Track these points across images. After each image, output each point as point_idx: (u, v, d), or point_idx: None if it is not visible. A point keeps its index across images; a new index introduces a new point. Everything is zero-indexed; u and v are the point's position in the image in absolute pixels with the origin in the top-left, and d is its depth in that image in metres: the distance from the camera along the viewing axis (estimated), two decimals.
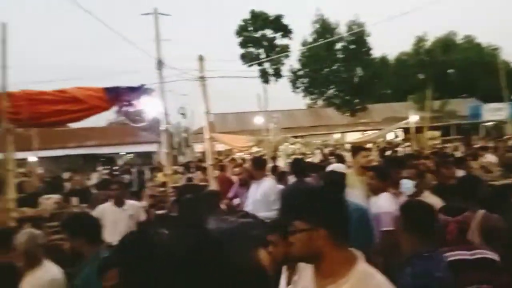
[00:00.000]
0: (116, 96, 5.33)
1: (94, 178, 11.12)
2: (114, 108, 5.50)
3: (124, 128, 22.70)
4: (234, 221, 0.91)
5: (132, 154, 25.74)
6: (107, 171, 13.08)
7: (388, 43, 51.86)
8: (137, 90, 5.41)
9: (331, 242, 1.41)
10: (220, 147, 22.71)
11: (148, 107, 5.60)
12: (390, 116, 28.13)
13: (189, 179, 8.33)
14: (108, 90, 5.31)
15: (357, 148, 5.26)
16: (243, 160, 11.87)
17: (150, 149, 22.67)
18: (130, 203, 5.02)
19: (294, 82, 34.18)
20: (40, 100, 5.37)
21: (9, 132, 5.41)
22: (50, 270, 2.90)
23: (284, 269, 2.08)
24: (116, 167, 17.83)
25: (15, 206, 5.09)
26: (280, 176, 6.33)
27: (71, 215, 3.12)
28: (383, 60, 37.56)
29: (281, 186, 5.26)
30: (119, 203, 4.84)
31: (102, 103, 5.37)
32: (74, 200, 5.41)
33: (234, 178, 6.45)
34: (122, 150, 24.00)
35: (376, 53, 34.66)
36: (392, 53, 39.42)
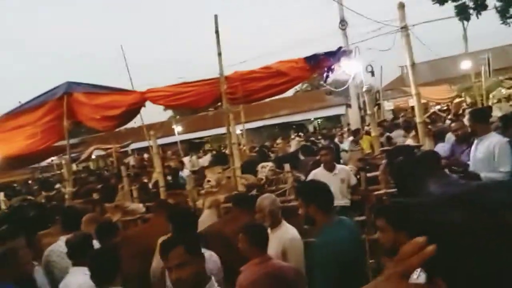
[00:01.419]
0: (316, 63, 5.45)
1: (293, 145, 11.91)
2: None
3: (312, 94, 23.53)
4: (469, 185, 0.80)
5: (320, 119, 26.57)
6: (303, 137, 13.83)
7: None
8: (336, 54, 5.40)
9: None
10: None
11: (348, 69, 5.53)
12: None
13: (389, 138, 7.96)
14: (308, 59, 5.47)
15: None
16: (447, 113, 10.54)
17: (339, 112, 22.88)
18: (340, 167, 5.12)
19: (504, 11, 27.83)
20: (251, 79, 5.98)
21: (229, 111, 6.26)
22: (290, 230, 3.22)
23: None
24: (309, 133, 18.74)
25: (240, 174, 5.91)
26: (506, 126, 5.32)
27: (305, 183, 3.33)
28: None
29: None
30: (330, 167, 4.99)
31: (303, 73, 5.60)
32: (286, 167, 5.82)
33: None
34: (311, 115, 25.03)
35: None
36: None
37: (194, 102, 6.57)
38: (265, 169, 5.96)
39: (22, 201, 7.49)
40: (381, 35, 8.40)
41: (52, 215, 5.16)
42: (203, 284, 2.00)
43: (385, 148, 5.37)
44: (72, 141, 7.31)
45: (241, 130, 11.23)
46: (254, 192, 4.75)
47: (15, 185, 15.09)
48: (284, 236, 3.17)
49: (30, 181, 15.55)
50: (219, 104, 6.82)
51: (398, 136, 8.39)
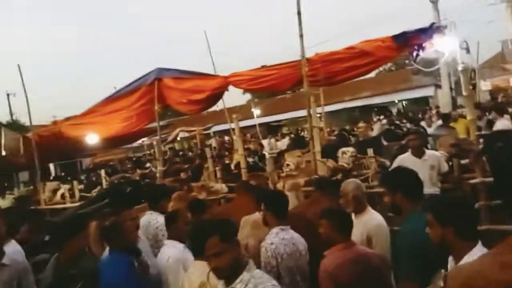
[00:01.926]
0: (405, 41, 5.11)
1: (376, 129, 11.42)
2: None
3: (396, 74, 22.17)
4: None
5: (406, 101, 24.98)
6: (386, 121, 13.15)
7: None
8: (428, 30, 4.99)
9: None
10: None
11: (440, 46, 5.08)
12: None
13: (490, 122, 7.22)
14: (396, 37, 5.14)
15: None
16: None
17: (426, 93, 21.27)
18: (429, 153, 4.78)
19: None
20: (333, 60, 5.82)
21: (310, 93, 6.18)
22: (375, 216, 3.13)
23: None
24: (393, 116, 17.77)
25: (320, 158, 5.84)
26: None
27: (391, 170, 3.19)
28: None
29: None
30: (419, 153, 4.69)
31: (390, 53, 5.29)
32: (370, 152, 5.60)
33: None
34: (395, 97, 23.61)
35: None
36: None
37: (276, 85, 6.63)
38: (346, 155, 5.80)
39: (120, 178, 8.27)
40: (482, 6, 7.55)
41: (146, 191, 5.64)
42: (242, 269, 2.05)
43: (482, 132, 4.89)
44: (161, 123, 7.85)
45: (319, 113, 11.06)
46: (339, 176, 4.67)
47: (111, 163, 16.71)
48: (369, 222, 3.09)
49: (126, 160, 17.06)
50: (298, 86, 6.79)
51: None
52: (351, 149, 6.02)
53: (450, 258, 1.89)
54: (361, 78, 7.61)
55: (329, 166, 5.07)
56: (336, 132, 10.73)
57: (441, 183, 4.60)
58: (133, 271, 2.87)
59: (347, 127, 14.44)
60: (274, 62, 6.77)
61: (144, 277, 2.96)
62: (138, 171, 9.87)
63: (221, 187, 5.30)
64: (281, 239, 2.86)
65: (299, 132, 17.20)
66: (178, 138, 19.05)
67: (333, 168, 4.98)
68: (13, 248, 3.59)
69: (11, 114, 21.09)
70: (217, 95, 6.95)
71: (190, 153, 14.79)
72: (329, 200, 3.45)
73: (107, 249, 2.93)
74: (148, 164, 12.22)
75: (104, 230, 2.87)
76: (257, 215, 3.39)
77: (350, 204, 3.14)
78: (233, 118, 6.88)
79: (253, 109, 17.60)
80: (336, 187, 3.37)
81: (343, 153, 5.86)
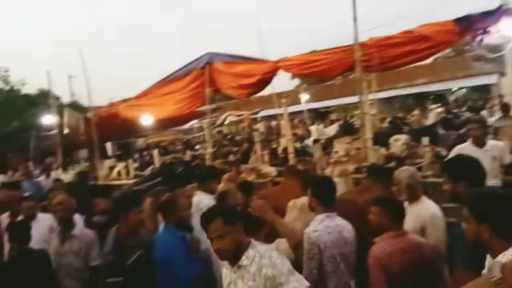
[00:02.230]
0: (468, 25, 4.79)
1: (431, 117, 10.89)
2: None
3: (455, 61, 20.84)
4: None
5: (465, 89, 23.50)
6: (442, 109, 12.48)
7: None
8: (494, 13, 4.64)
9: None
10: None
11: (508, 31, 4.71)
12: None
13: None
14: (458, 20, 4.84)
15: None
16: None
17: (488, 81, 19.83)
18: (492, 143, 4.51)
19: None
20: (389, 45, 5.60)
21: (362, 79, 6.02)
22: (430, 206, 3.03)
23: None
24: (451, 104, 16.83)
25: (371, 145, 5.70)
26: None
27: (454, 158, 3.05)
28: None
29: None
30: (480, 143, 4.43)
31: (451, 37, 4.99)
32: (424, 140, 5.38)
33: None
34: (453, 85, 22.24)
35: None
36: None
37: (326, 70, 6.51)
38: (398, 142, 5.62)
39: (172, 158, 8.61)
40: None
41: (195, 171, 5.84)
42: (244, 249, 2.14)
43: None
44: (211, 107, 8.01)
45: (371, 99, 10.72)
46: (392, 164, 4.54)
47: (163, 144, 17.36)
48: (424, 212, 2.99)
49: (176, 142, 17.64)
50: (348, 72, 6.62)
51: None
52: (404, 136, 5.82)
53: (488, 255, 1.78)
54: (416, 64, 7.28)
55: (381, 153, 4.93)
56: (388, 120, 10.37)
57: (503, 175, 4.34)
58: (185, 246, 3.03)
59: (400, 115, 13.91)
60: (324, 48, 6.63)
61: (195, 252, 3.11)
62: (188, 152, 10.21)
63: (270, 170, 5.35)
64: (326, 227, 2.82)
65: (349, 119, 16.82)
66: (227, 122, 19.38)
67: (386, 155, 4.85)
68: (81, 221, 3.90)
69: (72, 96, 22.43)
70: (266, 79, 6.96)
71: (238, 137, 15.02)
72: (381, 187, 3.37)
73: (163, 223, 3.10)
74: (197, 146, 12.58)
75: (161, 205, 3.04)
76: (305, 199, 3.39)
77: (403, 192, 3.05)
78: (282, 103, 6.89)
79: (301, 95, 17.44)
80: (389, 175, 3.28)
81: (396, 140, 5.68)
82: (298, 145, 8.20)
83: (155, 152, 9.03)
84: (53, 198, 4.12)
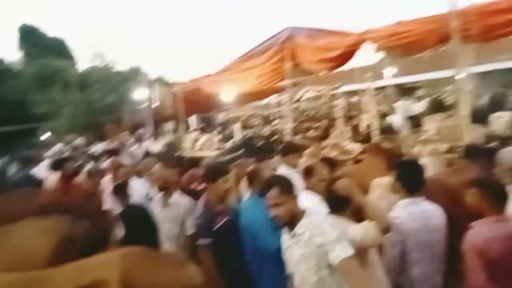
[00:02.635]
0: None
1: None
2: None
3: None
4: None
5: None
6: None
7: None
8: None
9: None
10: None
11: None
12: None
13: None
14: None
15: None
16: None
17: None
18: None
19: None
20: (492, 12, 5.01)
21: (458, 51, 5.48)
22: None
23: None
24: None
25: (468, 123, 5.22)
26: None
27: None
28: None
29: None
30: None
31: None
32: None
33: None
34: None
35: None
36: None
37: (417, 42, 6.01)
38: (500, 120, 5.10)
39: (252, 133, 8.82)
40: None
41: (275, 146, 5.91)
42: (299, 218, 2.35)
43: None
44: (290, 82, 7.97)
45: (465, 74, 9.79)
46: (494, 144, 4.16)
47: (243, 118, 17.72)
48: None
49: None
50: (441, 44, 6.05)
51: None
52: (508, 114, 5.28)
53: None
54: None
55: (480, 132, 4.53)
56: (487, 96, 9.41)
57: None
58: (269, 215, 3.14)
59: (501, 91, 12.51)
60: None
61: None
62: (267, 127, 10.34)
63: (355, 147, 5.22)
64: (409, 213, 2.69)
65: (439, 95, 15.58)
66: (304, 98, 19.14)
67: (488, 134, 4.44)
68: (177, 190, 4.21)
69: (157, 72, 23.95)
70: (350, 53, 6.66)
71: (316, 113, 14.77)
72: (479, 169, 3.10)
73: (249, 191, 3.26)
74: (276, 121, 12.65)
75: (248, 174, 3.21)
76: (389, 179, 3.27)
77: (508, 174, 2.78)
78: (365, 78, 6.59)
79: (385, 69, 16.54)
80: (490, 155, 3.01)
81: (498, 118, 5.19)
82: (382, 122, 7.85)
83: (236, 126, 9.31)
84: (149, 168, 4.54)
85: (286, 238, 2.47)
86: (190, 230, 3.73)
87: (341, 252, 2.12)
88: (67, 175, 5.64)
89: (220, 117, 15.32)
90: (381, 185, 3.45)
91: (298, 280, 2.36)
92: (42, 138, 21.30)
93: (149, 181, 4.67)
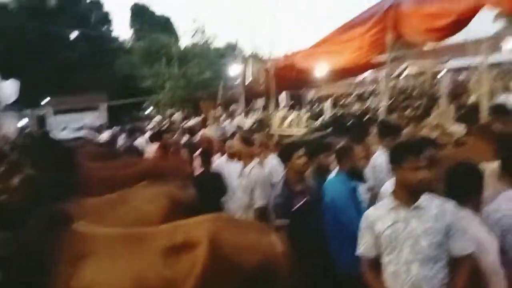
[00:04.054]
0: None
1: None
2: None
3: None
4: None
5: None
6: None
7: None
8: None
9: None
10: None
11: None
12: None
13: None
14: None
15: None
16: None
17: None
18: None
19: None
20: None
21: None
22: None
23: None
24: None
25: None
26: None
27: None
28: None
29: None
30: None
31: None
32: None
33: None
34: None
35: None
36: None
37: None
38: None
39: (343, 111, 8.49)
40: None
41: (368, 126, 5.56)
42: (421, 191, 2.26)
43: None
44: (389, 56, 7.20)
45: None
46: None
47: (334, 96, 17.16)
48: None
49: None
50: None
51: None
52: None
53: None
54: None
55: None
56: None
57: None
58: (355, 196, 3.02)
59: None
60: None
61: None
62: (359, 105, 9.86)
63: (459, 129, 4.67)
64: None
65: None
66: (404, 74, 17.75)
67: None
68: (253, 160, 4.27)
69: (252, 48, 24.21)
70: (464, 21, 5.77)
71: (418, 91, 13.66)
72: None
73: (336, 169, 3.15)
74: (369, 99, 12.00)
75: (337, 151, 3.11)
76: (497, 165, 2.84)
77: None
78: (480, 51, 5.76)
79: (506, 41, 14.40)
80: None
81: None
82: (494, 101, 6.88)
83: (327, 103, 9.03)
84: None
85: (384, 215, 2.28)
86: (258, 202, 3.73)
87: (466, 244, 2.13)
88: (165, 146, 6.11)
89: (311, 94, 15.04)
90: (488, 170, 3.03)
91: (405, 257, 2.18)
92: (146, 112, 23.45)
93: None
